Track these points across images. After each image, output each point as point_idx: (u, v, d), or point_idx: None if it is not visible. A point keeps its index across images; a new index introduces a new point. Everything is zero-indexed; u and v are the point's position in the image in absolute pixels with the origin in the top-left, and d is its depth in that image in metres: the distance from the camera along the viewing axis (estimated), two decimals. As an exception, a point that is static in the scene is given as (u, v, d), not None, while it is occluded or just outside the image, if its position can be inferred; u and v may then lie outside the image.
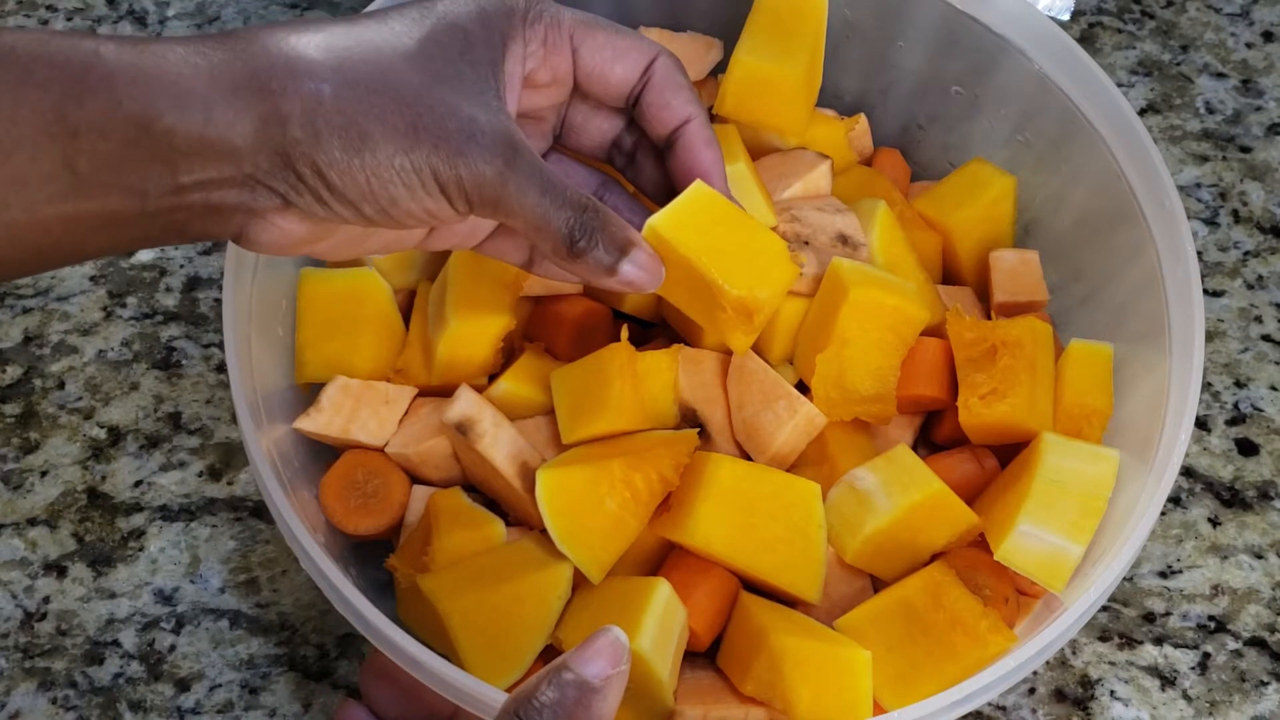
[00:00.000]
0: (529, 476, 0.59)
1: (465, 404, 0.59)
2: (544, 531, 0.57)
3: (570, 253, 0.47)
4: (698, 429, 0.61)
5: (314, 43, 0.43)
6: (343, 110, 0.42)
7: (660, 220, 0.51)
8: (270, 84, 0.42)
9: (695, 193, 0.52)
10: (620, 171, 0.55)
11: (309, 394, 0.63)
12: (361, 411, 0.61)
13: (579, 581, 0.58)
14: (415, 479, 0.63)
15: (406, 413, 0.62)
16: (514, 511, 0.61)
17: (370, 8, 0.49)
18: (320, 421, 0.61)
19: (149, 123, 0.41)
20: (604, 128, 0.54)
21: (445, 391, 0.62)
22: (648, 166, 0.54)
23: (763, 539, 0.57)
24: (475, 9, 0.46)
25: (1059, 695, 0.65)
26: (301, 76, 0.42)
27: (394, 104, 0.43)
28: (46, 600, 0.67)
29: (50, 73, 0.40)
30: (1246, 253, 0.79)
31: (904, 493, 0.58)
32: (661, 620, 0.54)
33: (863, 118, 0.72)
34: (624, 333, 0.60)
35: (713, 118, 0.67)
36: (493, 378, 0.63)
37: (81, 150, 0.40)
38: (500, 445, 0.59)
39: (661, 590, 0.55)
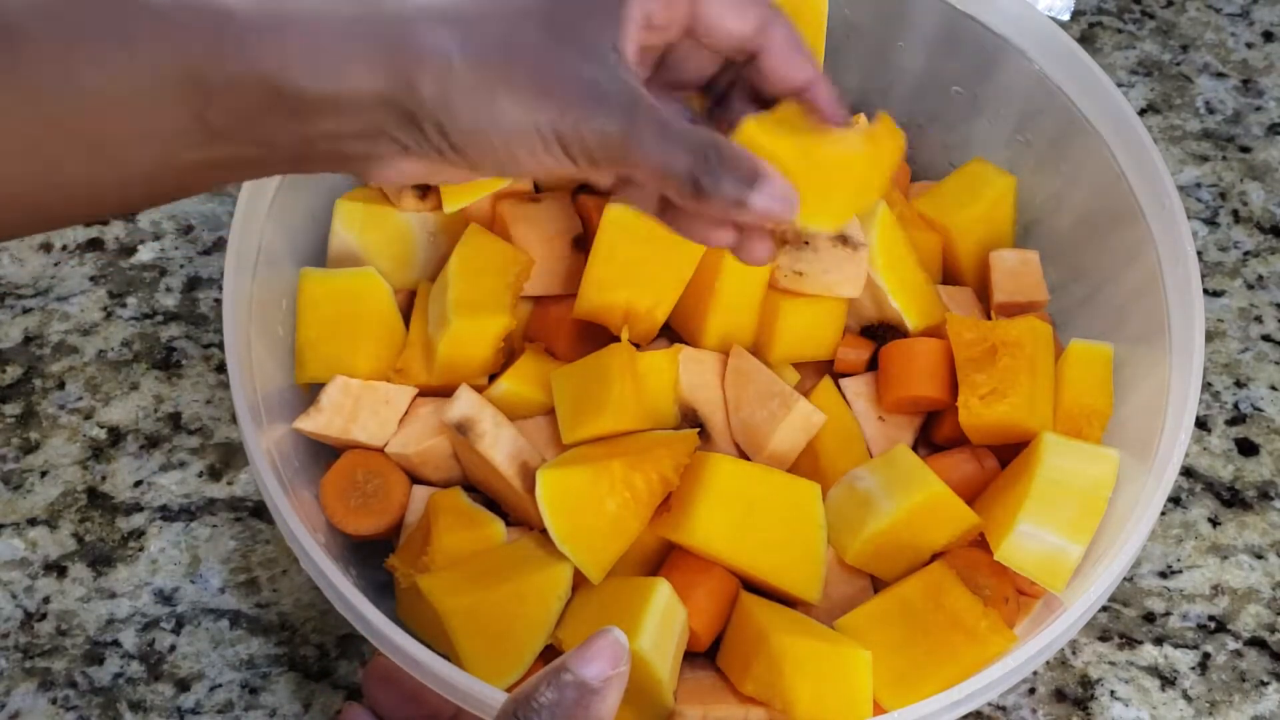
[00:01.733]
0: (529, 476, 0.59)
1: (465, 404, 0.59)
2: (544, 531, 0.57)
3: (696, 194, 0.46)
4: (698, 429, 0.61)
5: (444, 15, 0.44)
6: (470, 75, 0.43)
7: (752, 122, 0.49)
8: (401, 46, 0.43)
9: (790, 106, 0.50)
10: (706, 112, 0.54)
11: (309, 394, 0.63)
12: (361, 411, 0.61)
13: (579, 581, 0.58)
14: (415, 479, 0.63)
15: (406, 413, 0.62)
16: (514, 511, 0.61)
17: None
18: (320, 421, 0.61)
19: (281, 84, 0.42)
20: (704, 66, 0.52)
21: (445, 391, 0.62)
22: (735, 113, 0.52)
23: (763, 539, 0.57)
24: None
25: (1059, 695, 0.65)
26: (431, 38, 0.43)
27: (520, 68, 0.44)
28: (46, 600, 0.67)
29: (185, 33, 0.41)
30: (1246, 253, 0.79)
31: (904, 493, 0.58)
32: (661, 620, 0.54)
33: (863, 118, 0.72)
34: (624, 333, 0.60)
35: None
36: (493, 378, 0.63)
37: (214, 107, 0.41)
38: (500, 445, 0.59)
39: (661, 590, 0.55)
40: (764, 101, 0.51)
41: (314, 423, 0.61)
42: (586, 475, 0.57)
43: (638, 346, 0.61)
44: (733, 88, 0.52)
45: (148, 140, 0.42)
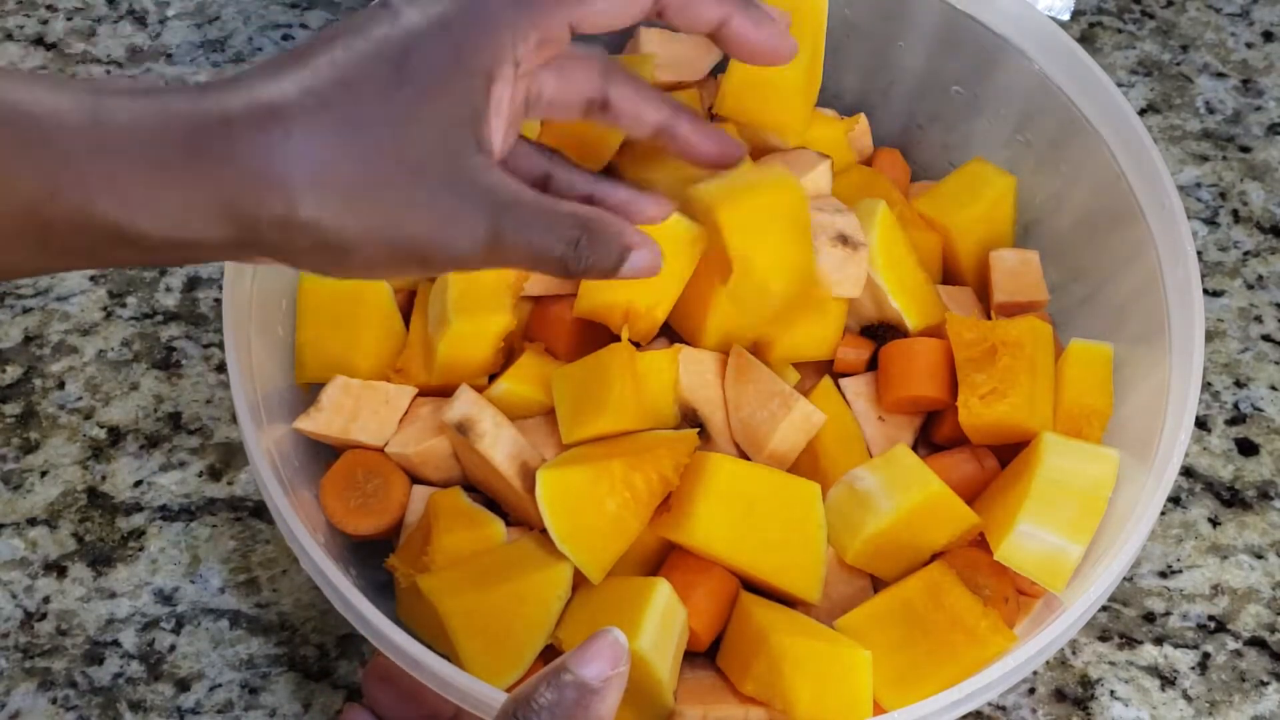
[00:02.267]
0: (529, 476, 0.59)
1: (465, 404, 0.59)
2: (544, 531, 0.57)
3: (570, 275, 0.47)
4: (698, 429, 0.61)
5: (287, 133, 0.41)
6: (317, 225, 0.42)
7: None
8: (242, 198, 0.41)
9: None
10: (596, 120, 0.53)
11: (309, 394, 0.63)
12: (361, 411, 0.61)
13: (579, 581, 0.58)
14: (415, 479, 0.63)
15: (406, 412, 0.62)
16: (514, 511, 0.61)
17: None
18: (320, 421, 0.61)
19: (122, 227, 0.40)
20: (580, 84, 0.51)
21: (445, 391, 0.62)
22: (626, 113, 0.52)
23: (763, 539, 0.57)
24: (453, 53, 0.43)
25: (1059, 695, 0.65)
26: (273, 189, 0.41)
27: (369, 214, 0.42)
28: (46, 600, 0.67)
29: (24, 168, 0.39)
30: (1246, 253, 0.79)
31: (904, 493, 0.58)
32: (662, 620, 0.54)
33: (862, 117, 0.72)
34: (624, 333, 0.60)
35: (712, 117, 0.68)
36: (493, 378, 0.63)
37: (56, 236, 0.40)
38: (500, 445, 0.59)
39: (661, 590, 0.55)
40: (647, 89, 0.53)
41: (314, 422, 0.61)
42: (586, 475, 0.56)
43: (638, 346, 0.61)
44: (611, 92, 0.52)
45: None
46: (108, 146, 0.40)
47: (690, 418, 0.61)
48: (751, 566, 0.58)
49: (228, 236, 0.41)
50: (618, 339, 0.61)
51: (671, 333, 0.64)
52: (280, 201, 0.41)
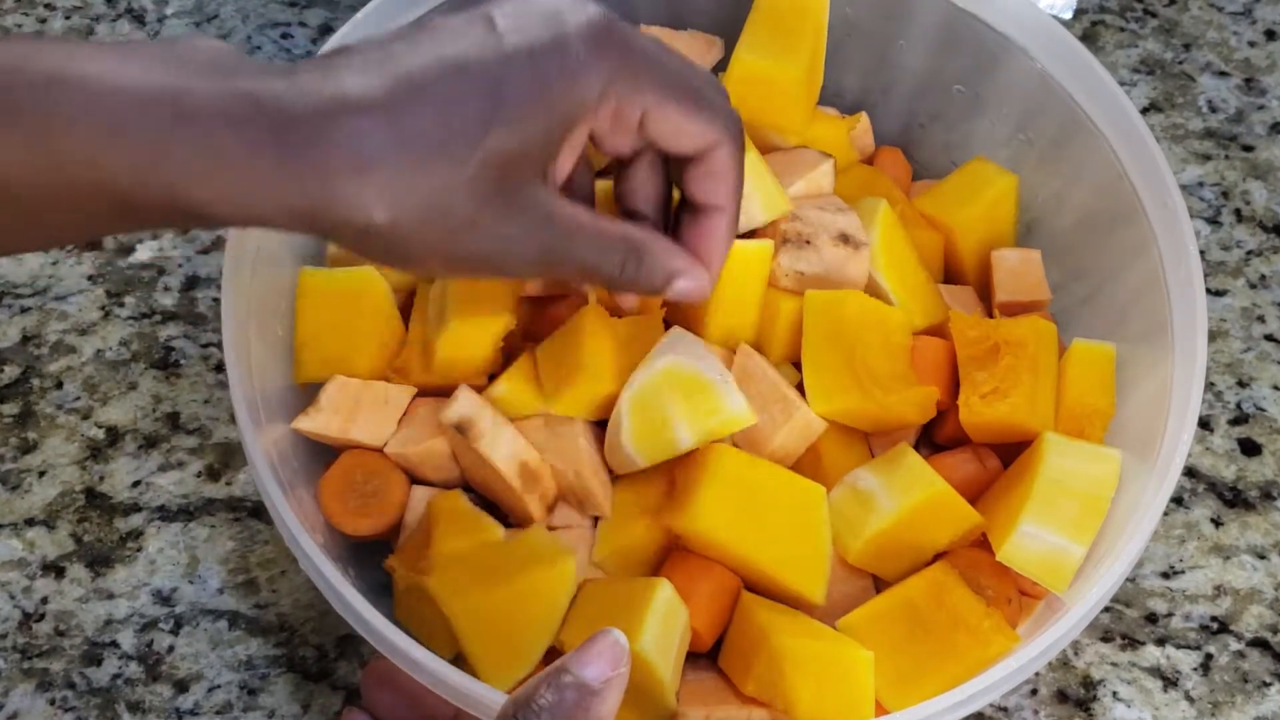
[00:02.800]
0: (529, 477, 0.58)
1: (464, 404, 0.59)
2: (551, 528, 0.57)
3: (617, 289, 0.49)
4: None
5: (371, 146, 0.41)
6: (386, 237, 0.43)
7: None
8: (320, 207, 0.41)
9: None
10: (609, 171, 0.54)
11: (308, 394, 0.63)
12: (361, 411, 0.61)
13: (580, 581, 0.58)
14: (415, 479, 0.62)
15: (406, 412, 0.62)
16: (512, 513, 0.61)
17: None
18: (319, 421, 0.61)
19: (201, 212, 0.41)
20: (620, 144, 0.51)
21: (445, 391, 0.62)
22: (638, 181, 0.52)
23: (766, 532, 0.57)
24: (543, 92, 0.43)
25: (1061, 696, 0.65)
26: (351, 207, 0.41)
27: (436, 238, 0.43)
28: (44, 601, 0.66)
29: (114, 155, 0.40)
30: (1249, 252, 0.79)
31: (906, 493, 0.58)
32: (663, 620, 0.54)
33: (864, 116, 0.72)
34: (592, 297, 0.60)
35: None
36: (492, 377, 0.62)
37: (133, 212, 0.42)
38: (500, 445, 0.58)
39: (663, 590, 0.55)
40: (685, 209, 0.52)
41: (313, 422, 0.60)
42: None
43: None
44: (639, 159, 0.52)
45: (52, 230, 0.42)
46: (198, 137, 0.40)
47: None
48: (754, 557, 0.57)
49: (298, 228, 0.42)
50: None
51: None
52: (358, 212, 0.41)
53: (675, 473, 0.59)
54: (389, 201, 0.41)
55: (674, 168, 0.52)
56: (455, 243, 0.44)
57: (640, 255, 0.48)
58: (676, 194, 0.54)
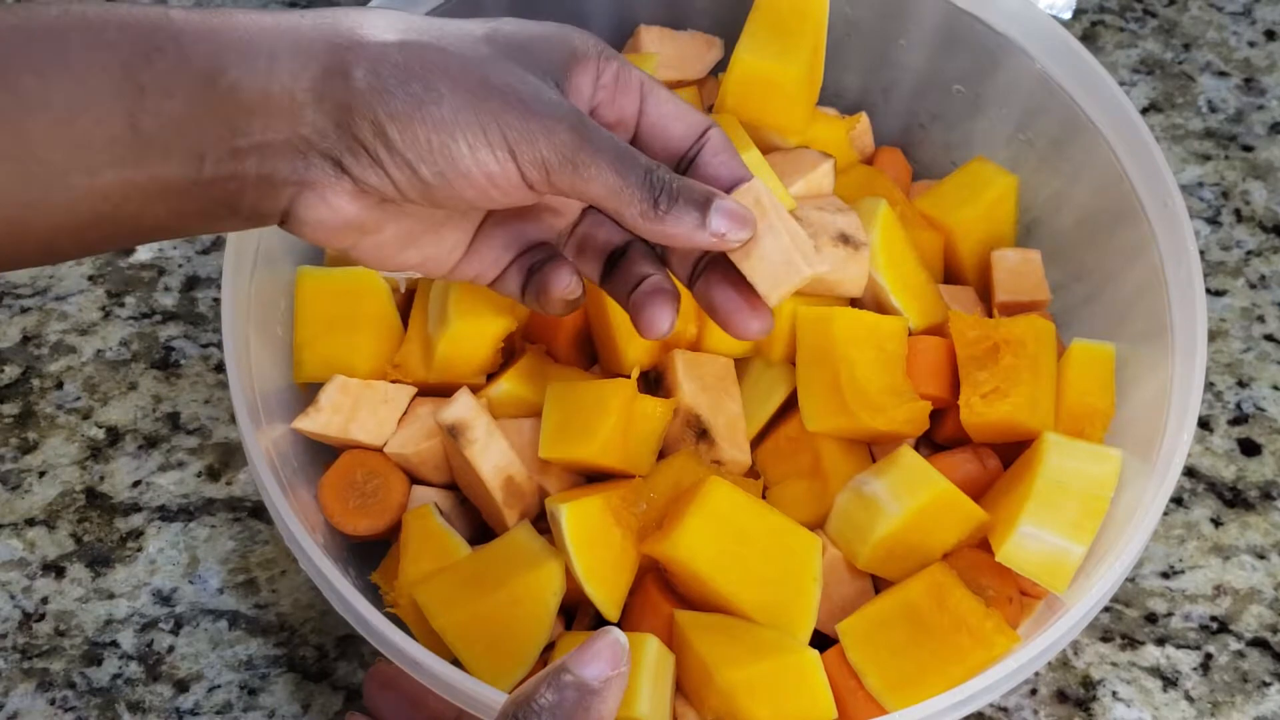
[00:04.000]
0: (512, 490, 0.58)
1: (462, 408, 0.59)
2: (541, 531, 0.57)
3: (656, 212, 0.44)
4: (702, 434, 0.60)
5: (384, 16, 0.44)
6: (409, 65, 0.42)
7: None
8: (336, 39, 0.43)
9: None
10: (602, 276, 0.52)
11: (308, 393, 0.63)
12: (360, 411, 0.61)
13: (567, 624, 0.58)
14: (414, 479, 0.62)
15: (405, 412, 0.62)
16: (491, 520, 0.61)
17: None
18: (319, 421, 0.61)
19: (214, 77, 0.41)
20: (612, 239, 0.51)
21: (444, 390, 0.62)
22: (634, 273, 0.51)
23: (752, 572, 0.56)
24: (552, 33, 0.46)
25: (1061, 696, 0.65)
26: (368, 33, 0.43)
27: (461, 64, 0.43)
28: (45, 601, 0.66)
29: (120, 34, 0.41)
30: (1249, 252, 0.79)
31: (911, 494, 0.58)
32: (655, 678, 0.54)
33: (864, 116, 0.72)
34: (635, 371, 0.60)
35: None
36: (491, 376, 0.62)
37: (146, 109, 0.41)
38: (489, 455, 0.58)
39: (650, 646, 0.54)
40: (662, 259, 0.51)
41: (313, 422, 0.60)
42: (598, 503, 0.56)
43: (648, 379, 0.61)
44: (631, 247, 0.51)
45: (77, 151, 0.41)
46: (206, 15, 0.42)
47: (694, 425, 0.61)
48: (735, 596, 0.56)
49: (316, 85, 0.42)
50: (617, 344, 0.61)
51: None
52: (370, 31, 0.43)
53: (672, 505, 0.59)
54: (403, 31, 0.43)
55: (640, 241, 0.51)
56: (484, 76, 0.43)
57: (672, 175, 0.45)
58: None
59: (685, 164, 0.49)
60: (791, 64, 0.64)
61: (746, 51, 0.64)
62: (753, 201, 0.47)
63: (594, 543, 0.56)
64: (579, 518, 0.56)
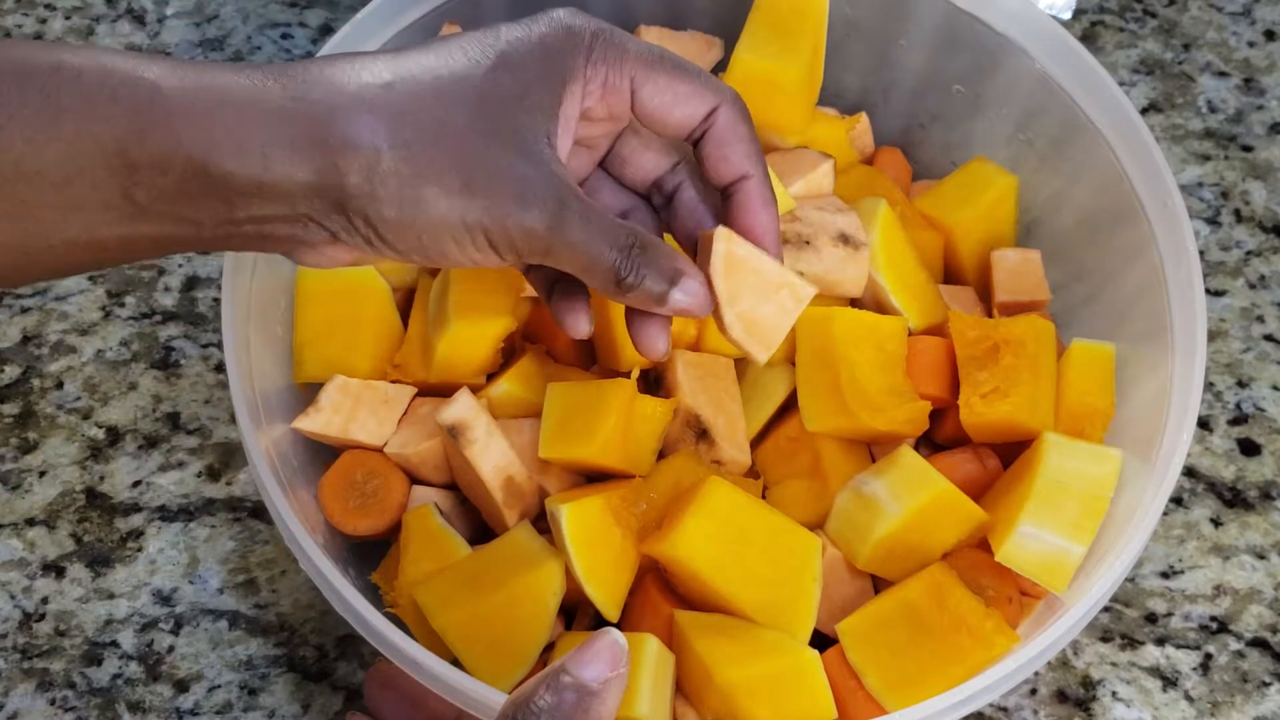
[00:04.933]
0: (512, 491, 0.58)
1: (462, 408, 0.59)
2: (542, 531, 0.57)
3: (619, 289, 0.47)
4: (702, 433, 0.60)
5: (374, 87, 0.44)
6: (399, 171, 0.43)
7: None
8: (329, 138, 0.43)
9: None
10: (656, 210, 0.53)
11: (308, 393, 0.63)
12: (361, 411, 0.61)
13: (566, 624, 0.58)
14: (415, 479, 0.62)
15: (406, 413, 0.62)
16: (491, 520, 0.61)
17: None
18: (319, 421, 0.61)
19: (207, 165, 0.42)
20: (649, 166, 0.52)
21: (444, 390, 0.62)
22: (682, 215, 0.52)
23: (752, 572, 0.56)
24: (539, 49, 0.46)
25: (1061, 696, 0.65)
26: (359, 128, 0.43)
27: (448, 163, 0.44)
28: (45, 601, 0.66)
29: (112, 108, 0.41)
30: (1249, 252, 0.79)
31: (911, 494, 0.58)
32: (655, 678, 0.54)
33: (864, 116, 0.72)
34: (635, 372, 0.60)
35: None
36: (491, 376, 0.62)
37: (140, 183, 0.42)
38: (489, 455, 0.58)
39: (650, 646, 0.54)
40: (713, 198, 0.51)
41: (313, 422, 0.60)
42: (598, 503, 0.56)
43: (648, 379, 0.61)
44: (680, 187, 0.52)
45: (72, 213, 0.42)
46: (197, 91, 0.42)
47: (694, 425, 0.61)
48: (735, 596, 0.56)
49: (310, 182, 0.43)
50: (617, 344, 0.61)
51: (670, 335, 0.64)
52: (366, 134, 0.43)
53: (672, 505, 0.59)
54: (392, 127, 0.43)
55: (689, 176, 0.52)
56: (469, 172, 0.44)
57: (645, 247, 0.47)
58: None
59: (693, 142, 0.50)
60: (791, 64, 0.64)
61: (746, 51, 0.64)
62: (723, 254, 0.49)
63: (594, 543, 0.56)
64: (579, 518, 0.56)
